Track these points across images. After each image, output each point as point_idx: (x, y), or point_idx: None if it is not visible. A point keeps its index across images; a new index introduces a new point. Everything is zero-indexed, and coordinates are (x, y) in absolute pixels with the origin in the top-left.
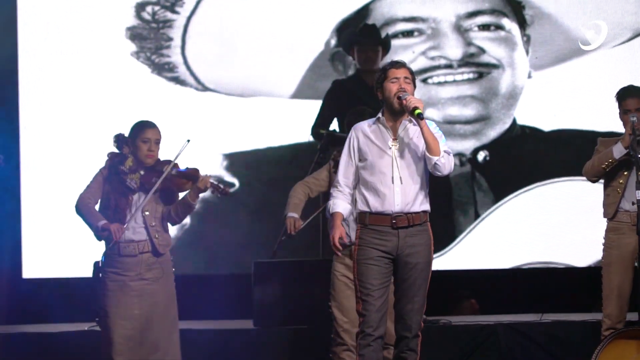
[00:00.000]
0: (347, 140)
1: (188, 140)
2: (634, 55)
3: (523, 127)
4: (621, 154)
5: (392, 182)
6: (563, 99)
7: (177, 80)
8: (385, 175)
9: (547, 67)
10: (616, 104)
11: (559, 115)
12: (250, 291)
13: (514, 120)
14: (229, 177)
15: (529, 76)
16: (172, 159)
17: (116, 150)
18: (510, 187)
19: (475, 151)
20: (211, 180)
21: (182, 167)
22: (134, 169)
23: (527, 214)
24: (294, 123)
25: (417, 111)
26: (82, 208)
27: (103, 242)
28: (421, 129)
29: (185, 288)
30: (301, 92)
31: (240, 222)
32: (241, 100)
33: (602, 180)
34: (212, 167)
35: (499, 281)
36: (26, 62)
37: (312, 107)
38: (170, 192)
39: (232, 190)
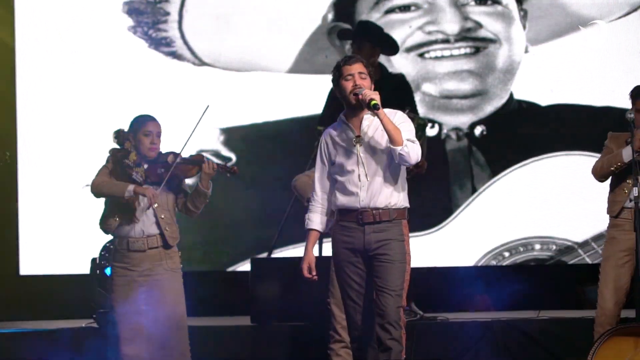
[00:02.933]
0: (319, 146)
1: (208, 106)
2: (631, 29)
3: (520, 102)
4: (630, 157)
5: (359, 180)
6: (560, 73)
7: (174, 55)
8: (353, 174)
9: (544, 41)
10: (629, 101)
11: (555, 90)
12: (247, 288)
13: (511, 95)
14: (225, 152)
15: (526, 51)
16: (175, 151)
17: (117, 146)
18: (507, 161)
19: (472, 126)
20: (216, 162)
21: (185, 155)
22: (138, 162)
23: (524, 188)
24: (291, 97)
25: (372, 102)
26: (101, 186)
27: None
28: (380, 120)
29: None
30: (298, 67)
31: (237, 198)
32: (238, 74)
33: None
34: (209, 141)
35: (496, 278)
36: (23, 41)
37: (309, 82)
38: (178, 180)
39: (229, 164)
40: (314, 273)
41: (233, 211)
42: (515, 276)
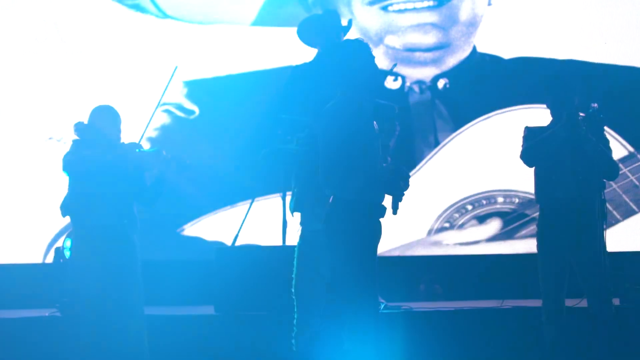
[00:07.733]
0: (338, 110)
1: (177, 67)
2: None
3: (483, 55)
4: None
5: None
6: (523, 26)
7: (138, 8)
8: (375, 157)
9: None
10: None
11: (519, 43)
12: (211, 277)
13: (474, 48)
14: (189, 105)
15: (489, 4)
16: (135, 142)
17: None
18: (470, 114)
19: (435, 79)
20: (169, 158)
21: (145, 148)
22: (99, 152)
23: (487, 142)
24: (254, 50)
25: None
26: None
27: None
28: None
29: (148, 274)
30: (262, 19)
31: (199, 152)
32: (201, 27)
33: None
34: (173, 95)
35: (460, 267)
36: None
37: (273, 35)
38: (135, 171)
39: (192, 117)
40: None
41: (195, 165)
42: (479, 265)
